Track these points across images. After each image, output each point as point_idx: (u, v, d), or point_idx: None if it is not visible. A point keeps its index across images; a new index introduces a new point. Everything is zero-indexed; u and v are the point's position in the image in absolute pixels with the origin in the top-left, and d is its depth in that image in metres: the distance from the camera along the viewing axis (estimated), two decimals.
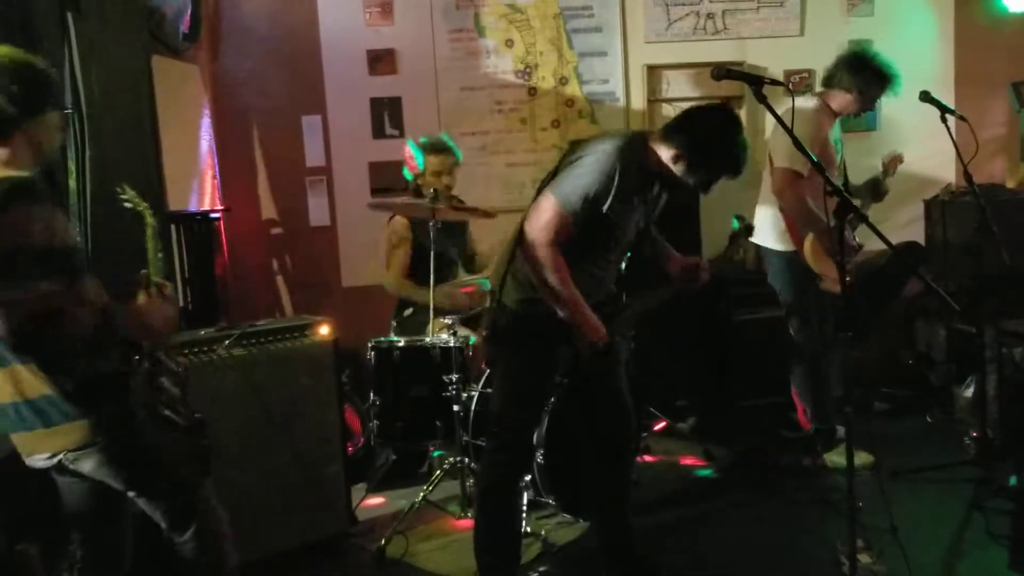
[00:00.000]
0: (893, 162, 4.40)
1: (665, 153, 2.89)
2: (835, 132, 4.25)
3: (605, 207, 2.82)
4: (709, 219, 5.26)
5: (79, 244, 2.35)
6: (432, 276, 3.95)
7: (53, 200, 2.24)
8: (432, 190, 4.03)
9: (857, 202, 4.40)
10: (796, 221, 4.16)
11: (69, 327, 2.16)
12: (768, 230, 4.31)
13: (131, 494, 2.41)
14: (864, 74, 4.14)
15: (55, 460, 2.31)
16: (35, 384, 2.24)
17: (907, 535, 3.10)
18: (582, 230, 2.84)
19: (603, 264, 3.02)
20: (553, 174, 2.95)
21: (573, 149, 2.95)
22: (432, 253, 3.95)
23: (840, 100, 4.20)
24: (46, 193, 2.21)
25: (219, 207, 5.30)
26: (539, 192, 2.94)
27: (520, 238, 2.89)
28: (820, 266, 4.06)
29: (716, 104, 3.00)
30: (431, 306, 3.97)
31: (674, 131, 2.88)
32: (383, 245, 4.56)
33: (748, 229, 3.47)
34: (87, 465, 2.32)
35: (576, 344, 2.90)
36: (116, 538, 2.53)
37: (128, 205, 2.63)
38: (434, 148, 4.42)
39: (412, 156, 4.45)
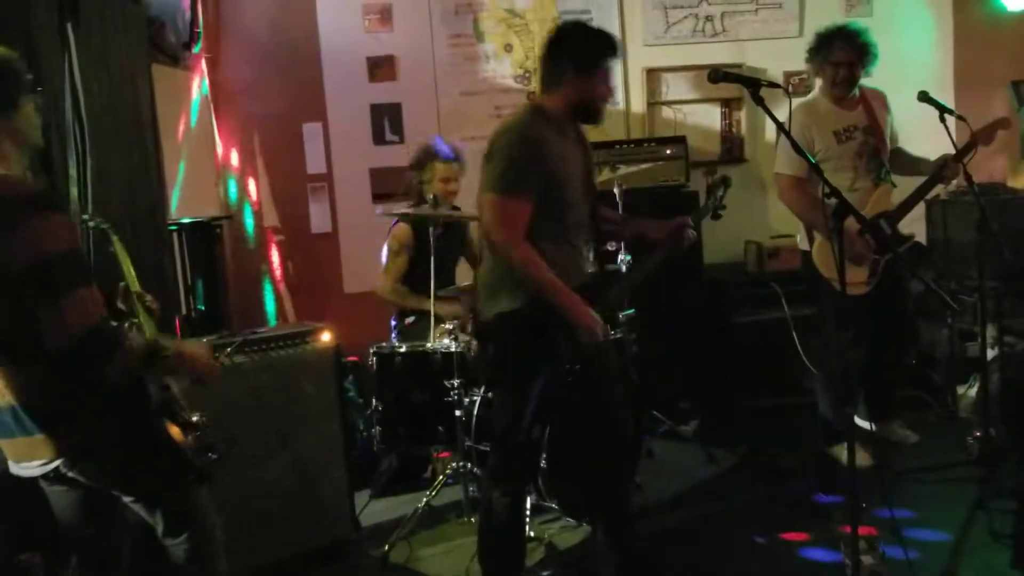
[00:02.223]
0: (992, 129, 4.18)
1: (556, 97, 2.94)
2: (845, 120, 4.18)
3: (544, 162, 2.82)
4: (709, 222, 5.23)
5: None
6: (432, 282, 3.97)
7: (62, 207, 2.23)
8: (432, 196, 4.05)
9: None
10: (803, 224, 4.16)
11: (123, 348, 2.16)
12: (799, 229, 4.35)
13: (129, 499, 2.38)
14: (810, 50, 4.21)
15: (51, 467, 2.25)
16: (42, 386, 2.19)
17: (910, 535, 3.10)
18: (539, 200, 2.81)
19: (569, 238, 2.96)
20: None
21: (488, 150, 2.94)
22: (432, 260, 3.97)
23: (821, 85, 4.25)
24: (60, 200, 2.19)
25: (221, 215, 5.32)
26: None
27: (486, 246, 2.90)
28: (830, 271, 3.96)
29: (553, 31, 3.06)
30: (431, 311, 3.98)
31: (546, 76, 2.97)
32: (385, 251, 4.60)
33: (724, 180, 3.56)
34: (88, 470, 2.27)
35: (572, 334, 2.86)
36: (109, 545, 2.50)
37: (91, 225, 2.61)
38: (444, 156, 4.46)
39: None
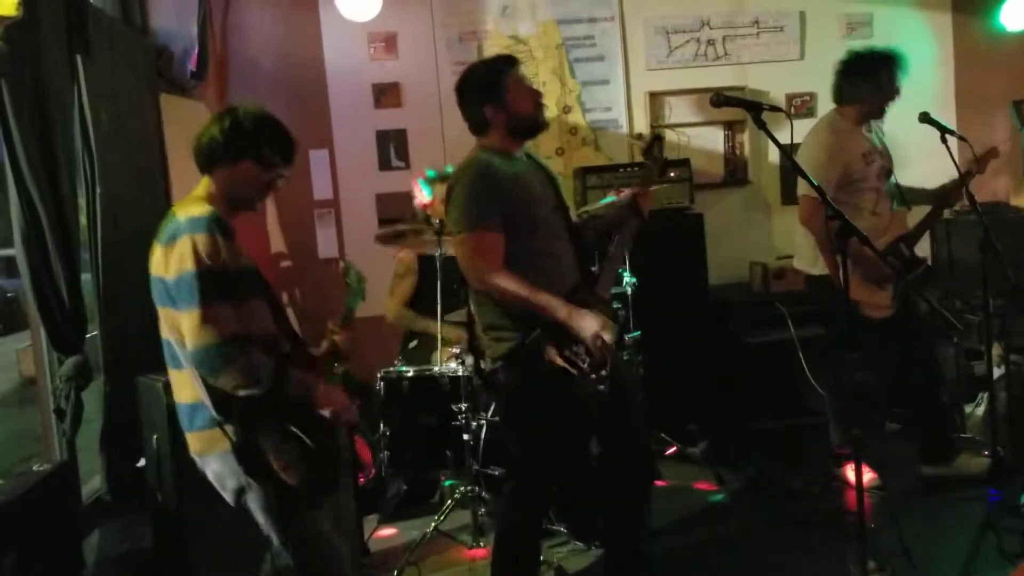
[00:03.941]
0: (985, 160, 4.21)
1: (491, 136, 3.01)
2: (867, 142, 4.17)
3: (503, 187, 2.87)
4: (714, 244, 5.27)
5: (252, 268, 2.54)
6: (440, 307, 3.99)
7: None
8: (438, 221, 4.07)
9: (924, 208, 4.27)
10: (826, 248, 4.12)
11: (256, 354, 2.34)
12: (802, 253, 4.30)
13: (254, 506, 2.51)
14: (856, 79, 4.13)
15: (195, 459, 2.51)
16: (192, 389, 2.41)
17: (919, 555, 3.10)
18: (510, 225, 2.86)
19: (548, 251, 2.98)
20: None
21: (446, 195, 3.01)
22: (439, 285, 3.99)
23: (849, 111, 4.18)
24: (219, 224, 2.41)
25: None
26: None
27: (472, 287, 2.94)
28: (857, 293, 3.94)
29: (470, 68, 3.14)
30: (439, 337, 3.99)
31: (472, 126, 3.05)
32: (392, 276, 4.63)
33: (657, 137, 3.40)
34: (210, 468, 2.48)
35: (583, 343, 2.84)
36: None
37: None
38: (441, 178, 4.48)
39: (420, 189, 4.52)
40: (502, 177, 2.89)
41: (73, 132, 3.42)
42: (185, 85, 4.83)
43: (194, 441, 2.49)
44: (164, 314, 2.44)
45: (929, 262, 5.26)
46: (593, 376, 2.83)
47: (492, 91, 2.96)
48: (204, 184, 2.57)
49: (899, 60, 4.12)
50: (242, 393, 2.34)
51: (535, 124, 3.03)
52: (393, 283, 4.61)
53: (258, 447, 2.39)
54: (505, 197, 2.87)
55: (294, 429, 2.45)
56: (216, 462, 2.46)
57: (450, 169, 4.52)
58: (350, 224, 5.61)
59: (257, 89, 5.49)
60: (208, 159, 2.56)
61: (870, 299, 3.99)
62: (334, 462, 2.64)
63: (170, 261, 2.35)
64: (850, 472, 4.14)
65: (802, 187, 4.13)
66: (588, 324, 2.80)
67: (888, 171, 4.25)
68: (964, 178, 4.09)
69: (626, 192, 3.26)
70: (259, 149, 2.55)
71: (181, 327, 2.33)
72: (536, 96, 3.05)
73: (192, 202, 2.49)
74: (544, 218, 2.98)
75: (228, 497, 2.51)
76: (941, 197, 4.23)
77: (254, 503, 2.49)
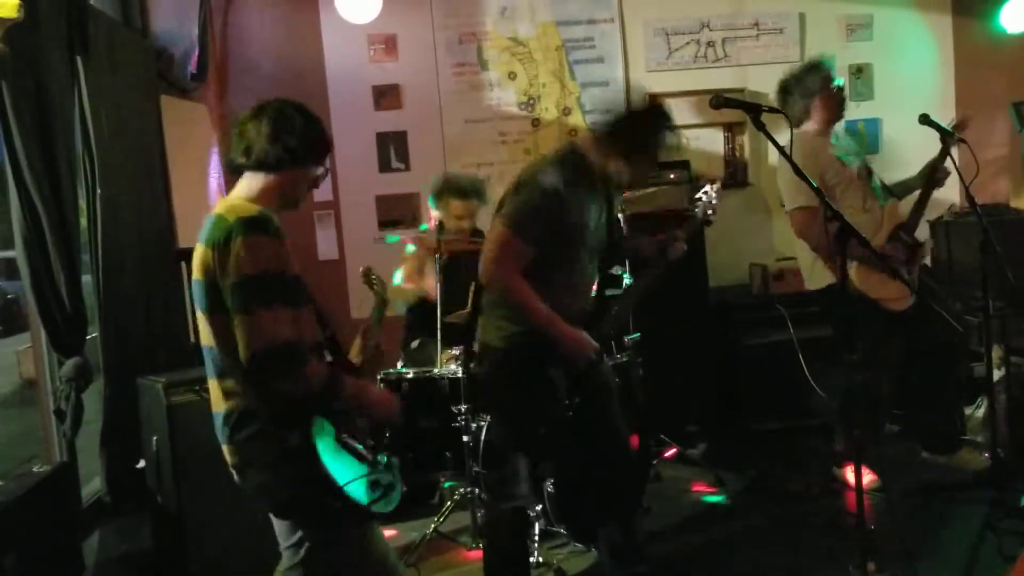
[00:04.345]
0: (963, 124, 4.16)
1: (601, 157, 2.98)
2: (837, 148, 4.18)
3: (561, 216, 2.86)
4: (714, 246, 5.27)
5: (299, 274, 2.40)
6: (440, 309, 3.99)
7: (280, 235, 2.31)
8: (438, 222, 4.07)
9: (914, 194, 4.23)
10: (827, 255, 4.08)
11: (305, 371, 2.22)
12: (806, 270, 4.26)
13: (278, 519, 2.43)
14: (793, 98, 4.14)
15: (233, 472, 2.37)
16: (235, 398, 2.30)
17: (919, 556, 3.09)
18: (547, 244, 2.86)
19: (575, 273, 3.01)
20: (500, 206, 3.00)
21: (516, 180, 2.99)
22: (439, 286, 3.99)
23: (809, 126, 4.18)
24: (272, 225, 2.30)
25: None
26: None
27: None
28: (876, 291, 3.94)
29: (641, 106, 3.12)
30: (439, 339, 3.99)
31: (608, 138, 2.99)
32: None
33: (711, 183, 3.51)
34: (254, 481, 2.34)
35: (567, 361, 2.90)
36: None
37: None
38: (461, 192, 4.41)
39: (431, 214, 4.44)
40: (567, 201, 2.89)
41: (73, 134, 3.43)
42: (185, 87, 4.84)
43: (235, 453, 2.33)
44: (207, 319, 2.30)
45: (927, 262, 5.30)
46: (566, 401, 2.91)
47: (643, 144, 3.00)
48: (247, 184, 2.43)
49: (821, 64, 4.15)
50: (299, 399, 2.24)
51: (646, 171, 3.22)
52: (400, 263, 4.59)
53: (315, 457, 2.28)
54: (559, 221, 2.87)
55: (349, 439, 2.37)
56: (262, 474, 2.31)
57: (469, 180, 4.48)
58: (350, 226, 5.62)
59: (257, 91, 5.47)
60: (267, 161, 2.41)
61: (888, 293, 3.95)
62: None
63: (226, 264, 2.21)
64: (850, 474, 4.14)
65: (789, 202, 4.09)
66: (577, 347, 2.89)
67: (868, 170, 4.23)
68: (945, 151, 4.06)
69: (666, 234, 3.32)
70: (318, 153, 2.49)
71: (236, 332, 2.19)
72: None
73: (239, 202, 2.37)
74: (584, 251, 3.01)
75: (271, 509, 2.40)
76: (929, 177, 4.18)
77: (304, 515, 2.38)
